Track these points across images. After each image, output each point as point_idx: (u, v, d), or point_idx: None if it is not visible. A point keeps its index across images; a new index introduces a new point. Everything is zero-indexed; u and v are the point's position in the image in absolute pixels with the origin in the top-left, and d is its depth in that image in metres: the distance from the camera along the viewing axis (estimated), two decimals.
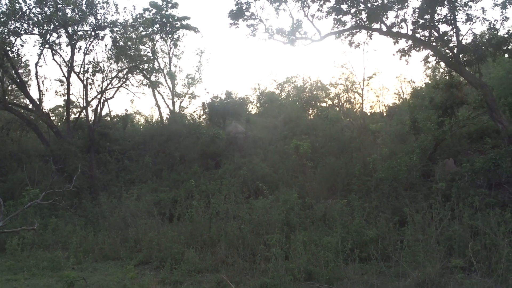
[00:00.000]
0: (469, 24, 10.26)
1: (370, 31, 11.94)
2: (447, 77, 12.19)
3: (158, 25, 21.18)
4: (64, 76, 16.86)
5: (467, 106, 11.79)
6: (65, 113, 17.56)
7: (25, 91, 16.10)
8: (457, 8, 10.34)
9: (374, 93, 22.60)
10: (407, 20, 11.15)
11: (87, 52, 16.53)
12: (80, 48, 16.59)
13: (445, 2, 10.34)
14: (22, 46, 17.19)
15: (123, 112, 20.51)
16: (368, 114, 20.04)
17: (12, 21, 14.22)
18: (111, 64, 17.06)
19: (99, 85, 16.97)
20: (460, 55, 10.41)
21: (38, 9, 14.79)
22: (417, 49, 11.44)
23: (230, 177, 11.98)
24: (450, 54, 10.68)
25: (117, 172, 14.15)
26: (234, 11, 12.19)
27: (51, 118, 18.00)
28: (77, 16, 15.29)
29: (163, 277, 6.43)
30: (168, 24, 21.49)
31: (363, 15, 11.67)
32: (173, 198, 10.50)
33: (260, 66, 55.54)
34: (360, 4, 11.50)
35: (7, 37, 14.31)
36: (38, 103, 16.41)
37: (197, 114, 19.97)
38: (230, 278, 5.98)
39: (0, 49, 13.94)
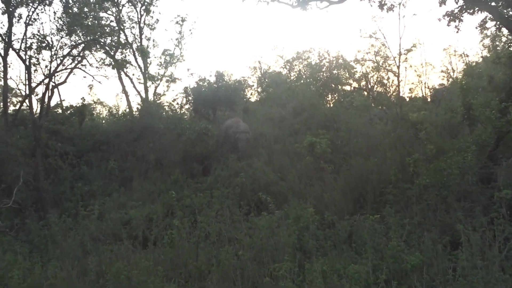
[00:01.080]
0: None
1: None
2: None
3: None
4: None
5: None
6: (1, 104, 17.56)
7: None
8: None
9: (414, 71, 22.67)
10: None
11: (30, 22, 16.56)
12: (20, 16, 16.63)
13: None
14: None
15: (79, 102, 20.55)
16: (407, 99, 20.07)
17: None
18: (62, 37, 17.07)
19: (46, 66, 17.01)
20: None
21: None
22: (471, 11, 11.40)
23: (223, 187, 12.10)
24: None
25: (72, 182, 14.19)
26: None
27: None
28: None
29: None
30: None
31: None
32: (147, 216, 10.53)
33: (262, 39, 55.77)
34: None
35: None
36: None
37: (178, 103, 20.20)
38: None
39: None
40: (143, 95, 21.53)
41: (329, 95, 25.95)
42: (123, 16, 21.17)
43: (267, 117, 19.31)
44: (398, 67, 15.58)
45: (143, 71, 21.56)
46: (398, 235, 7.58)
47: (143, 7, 21.75)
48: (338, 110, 18.65)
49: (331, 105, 21.40)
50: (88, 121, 20.01)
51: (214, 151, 15.17)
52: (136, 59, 21.44)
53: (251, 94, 31.27)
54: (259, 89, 32.47)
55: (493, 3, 11.01)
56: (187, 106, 20.60)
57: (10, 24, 16.35)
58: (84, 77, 21.94)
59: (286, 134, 17.06)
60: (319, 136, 12.78)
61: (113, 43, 18.78)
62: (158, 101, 21.05)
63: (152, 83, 21.82)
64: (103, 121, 21.22)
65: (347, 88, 24.56)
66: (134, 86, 22.12)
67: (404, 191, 10.07)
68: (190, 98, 19.85)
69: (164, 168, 14.66)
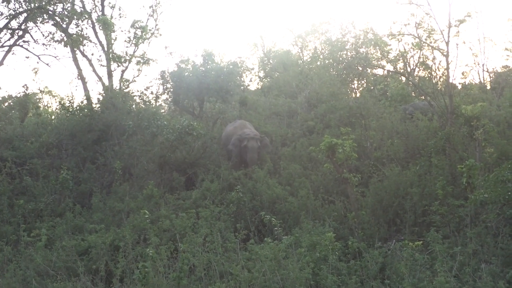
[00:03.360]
0: None
1: None
2: None
3: None
4: None
5: None
6: None
7: None
8: None
9: (469, 49, 22.78)
10: None
11: None
12: None
13: None
14: None
15: (21, 91, 20.51)
16: (459, 86, 20.14)
17: None
18: None
19: None
20: None
21: None
22: None
23: (213, 204, 12.15)
24: None
25: (12, 198, 14.20)
26: None
27: None
28: None
29: None
30: None
31: None
32: (111, 243, 10.55)
33: (265, 7, 55.89)
34: None
35: None
36: None
37: (152, 93, 20.23)
38: None
39: None
40: (106, 81, 21.58)
41: (355, 81, 26.14)
42: None
43: (272, 111, 19.47)
44: (447, 43, 15.58)
45: (105, 49, 21.62)
46: (446, 268, 7.59)
47: None
48: (367, 102, 18.77)
49: (358, 95, 21.49)
50: (32, 117, 20.00)
51: (201, 157, 15.23)
52: (96, 33, 21.50)
53: (251, 80, 31.40)
54: (261, 74, 32.58)
55: None
56: (164, 97, 20.72)
57: None
58: (27, 57, 21.74)
59: (297, 134, 17.18)
60: (341, 136, 12.84)
61: (66, 12, 18.78)
62: (126, 90, 21.12)
63: (118, 66, 21.90)
64: (53, 117, 21.18)
65: (379, 72, 24.74)
66: (94, 70, 22.14)
67: (455, 209, 10.14)
68: (168, 85, 19.93)
69: (135, 180, 14.64)
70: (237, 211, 11.90)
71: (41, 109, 24.01)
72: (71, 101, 18.50)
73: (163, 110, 19.40)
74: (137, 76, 22.55)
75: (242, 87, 21.90)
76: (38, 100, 25.93)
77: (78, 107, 18.13)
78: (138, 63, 21.98)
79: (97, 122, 17.07)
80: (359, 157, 14.71)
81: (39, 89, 26.16)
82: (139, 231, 10.87)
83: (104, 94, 18.97)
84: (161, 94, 20.44)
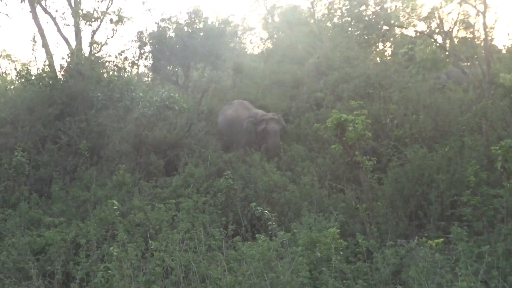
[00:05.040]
0: None
1: None
2: None
3: None
4: None
5: None
6: None
7: None
8: None
9: None
10: None
11: None
12: None
13: None
14: None
15: None
16: (504, 50, 20.00)
17: None
18: None
19: None
20: None
21: None
22: None
23: (197, 193, 12.18)
24: None
25: None
26: None
27: None
28: None
29: None
30: None
31: None
32: (73, 240, 10.60)
33: None
34: None
35: None
36: None
37: (127, 59, 20.14)
38: None
39: None
40: (73, 44, 21.57)
41: (378, 44, 25.82)
42: None
43: (273, 80, 19.39)
44: None
45: (72, 5, 21.57)
46: (471, 271, 7.54)
47: None
48: (389, 69, 18.68)
49: (378, 61, 21.32)
50: None
51: (185, 136, 15.32)
52: None
53: (251, 43, 31.22)
54: (264, 35, 32.36)
55: None
56: (143, 63, 20.68)
57: None
58: None
59: (302, 108, 17.14)
60: (352, 111, 12.74)
61: None
62: (96, 54, 21.08)
63: (87, 25, 21.86)
64: (9, 87, 21.21)
65: (408, 31, 24.38)
66: (59, 30, 22.18)
67: (490, 200, 10.11)
68: (147, 49, 19.92)
69: (104, 163, 14.73)
70: (227, 201, 11.93)
71: None
72: (29, 68, 18.50)
73: (145, 79, 19.30)
74: (111, 37, 22.71)
75: (236, 52, 21.79)
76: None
77: (37, 76, 18.12)
78: (111, 22, 21.94)
79: (60, 94, 17.07)
80: (376, 137, 14.73)
81: None
82: (107, 226, 10.91)
83: (69, 60, 18.96)
84: (137, 60, 20.45)
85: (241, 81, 18.82)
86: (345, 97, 16.96)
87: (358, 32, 24.52)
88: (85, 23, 21.86)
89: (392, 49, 22.69)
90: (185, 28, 19.51)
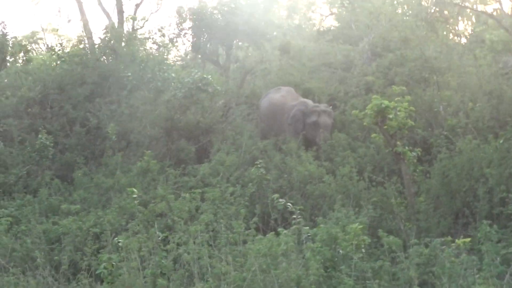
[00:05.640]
0: None
1: None
2: None
3: None
4: None
5: None
6: None
7: None
8: None
9: None
10: None
11: None
12: None
13: None
14: None
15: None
16: None
17: None
18: None
19: None
20: None
21: None
22: None
23: (226, 182, 12.22)
24: None
25: None
26: None
27: None
28: None
29: None
30: None
31: None
32: (88, 229, 10.73)
33: None
34: None
35: None
36: None
37: (164, 35, 20.26)
38: None
39: None
40: (116, 20, 21.75)
41: (448, 25, 25.14)
42: None
43: (322, 62, 19.19)
44: None
45: None
46: (494, 274, 7.48)
47: None
48: (451, 52, 18.24)
49: (442, 44, 20.79)
50: (14, 64, 20.06)
51: (220, 121, 15.33)
52: None
53: (313, 19, 30.49)
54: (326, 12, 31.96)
55: None
56: (182, 41, 20.77)
57: None
58: None
59: (351, 93, 16.87)
60: (395, 98, 12.47)
61: None
62: (139, 30, 21.22)
63: None
64: (40, 66, 21.40)
65: (485, 12, 23.69)
66: (100, 4, 22.50)
67: None
68: (186, 26, 19.99)
69: (133, 149, 14.90)
70: (258, 192, 11.87)
71: (33, 54, 24.18)
72: (62, 44, 18.72)
73: (177, 60, 19.28)
74: (156, 11, 22.53)
75: (284, 31, 21.52)
76: (32, 42, 26.16)
77: (69, 53, 18.32)
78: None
79: (91, 73, 17.26)
80: (428, 125, 14.44)
81: (41, 27, 26.48)
82: (128, 214, 11.06)
83: (103, 36, 19.12)
84: (176, 37, 20.61)
85: (287, 62, 18.62)
86: (398, 81, 16.54)
87: (427, 10, 23.91)
88: None
89: (461, 29, 22.11)
90: (228, 4, 19.44)
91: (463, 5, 22.60)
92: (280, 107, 15.81)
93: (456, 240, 8.26)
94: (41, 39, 27.54)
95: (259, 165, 12.35)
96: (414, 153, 11.54)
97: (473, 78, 16.41)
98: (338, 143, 13.92)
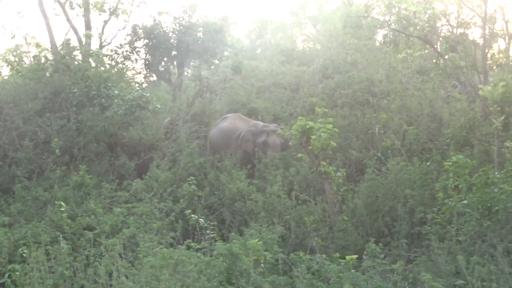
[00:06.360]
0: None
1: None
2: None
3: None
4: None
5: None
6: None
7: None
8: None
9: None
10: None
11: None
12: None
13: None
14: None
15: None
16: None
17: None
18: None
19: None
20: None
21: None
22: None
23: (158, 198, 12.68)
24: None
25: None
26: None
27: None
28: None
29: None
30: None
31: None
32: (15, 243, 10.82)
33: None
34: None
35: None
36: None
37: (118, 53, 20.71)
38: None
39: None
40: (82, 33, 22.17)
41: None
42: None
43: (272, 81, 19.47)
44: None
45: None
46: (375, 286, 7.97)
47: None
48: (398, 75, 18.67)
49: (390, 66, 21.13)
50: None
51: (163, 139, 15.84)
52: None
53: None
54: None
55: None
56: (135, 58, 21.36)
57: None
58: None
59: (295, 113, 17.05)
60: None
61: None
62: (107, 46, 21.46)
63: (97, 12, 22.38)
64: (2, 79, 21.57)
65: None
66: (68, 20, 22.98)
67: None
68: (139, 44, 20.42)
69: (77, 163, 15.18)
70: (188, 208, 12.05)
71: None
72: (20, 59, 18.95)
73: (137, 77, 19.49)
74: (123, 28, 22.79)
75: (235, 52, 21.69)
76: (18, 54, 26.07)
77: (26, 68, 18.58)
78: (111, 13, 22.20)
79: (43, 88, 17.55)
80: (364, 147, 14.85)
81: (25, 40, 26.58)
82: (57, 228, 11.26)
83: (61, 51, 19.40)
84: (130, 54, 21.16)
85: (236, 82, 18.83)
86: (340, 104, 16.95)
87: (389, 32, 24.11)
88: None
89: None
90: (182, 23, 19.71)
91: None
92: (230, 132, 16.05)
93: (347, 257, 8.70)
94: (25, 52, 27.67)
95: (191, 182, 12.79)
96: (339, 173, 11.94)
97: (414, 101, 16.78)
98: (272, 162, 14.32)
